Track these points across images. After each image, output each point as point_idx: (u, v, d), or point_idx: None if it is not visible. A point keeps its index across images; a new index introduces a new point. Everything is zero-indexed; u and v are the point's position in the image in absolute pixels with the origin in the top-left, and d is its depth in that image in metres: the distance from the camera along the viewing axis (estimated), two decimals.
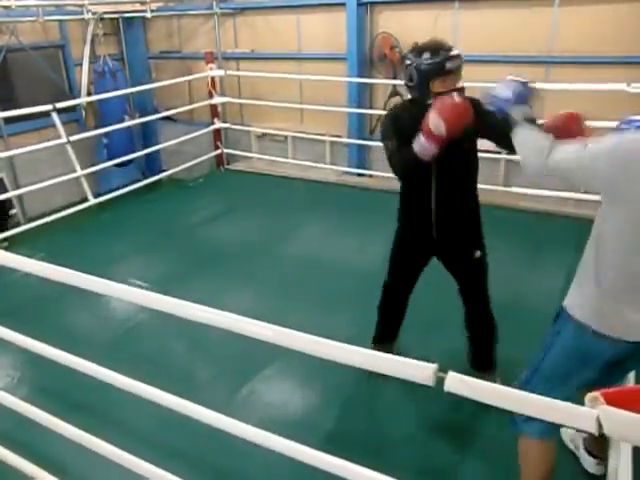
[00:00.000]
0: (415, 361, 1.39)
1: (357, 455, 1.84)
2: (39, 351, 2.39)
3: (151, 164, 9.53)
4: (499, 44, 6.99)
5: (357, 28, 7.70)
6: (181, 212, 7.04)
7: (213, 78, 8.29)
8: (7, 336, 2.47)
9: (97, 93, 8.52)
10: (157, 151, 8.88)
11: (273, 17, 8.65)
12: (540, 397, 1.25)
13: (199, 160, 8.27)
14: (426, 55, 2.84)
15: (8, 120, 7.64)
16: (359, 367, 1.66)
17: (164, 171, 8.45)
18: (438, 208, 3.08)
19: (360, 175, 8.02)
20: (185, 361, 3.98)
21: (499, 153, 6.19)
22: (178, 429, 2.76)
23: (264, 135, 9.08)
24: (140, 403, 2.23)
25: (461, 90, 2.88)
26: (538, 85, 6.38)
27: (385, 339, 3.71)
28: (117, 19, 9.13)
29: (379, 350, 3.51)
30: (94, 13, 8.28)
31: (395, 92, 7.73)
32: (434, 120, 2.64)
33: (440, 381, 1.29)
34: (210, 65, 8.26)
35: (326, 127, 8.35)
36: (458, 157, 2.98)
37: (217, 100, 8.37)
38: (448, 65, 2.83)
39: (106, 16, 8.62)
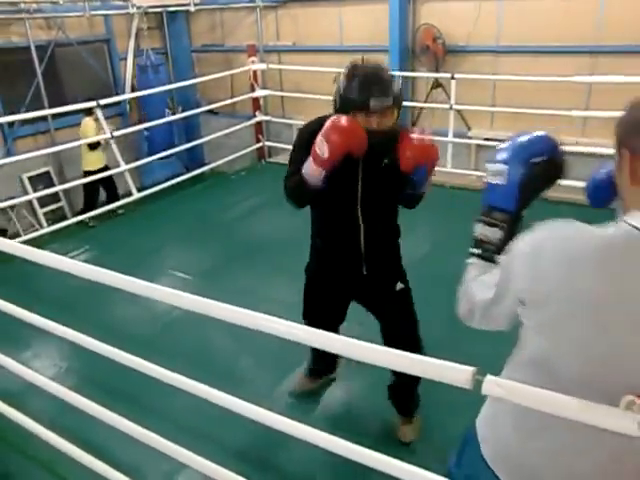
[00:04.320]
0: (453, 364, 1.38)
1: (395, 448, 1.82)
2: (84, 344, 2.44)
3: (194, 157, 9.62)
4: (544, 33, 6.85)
5: (399, 19, 7.63)
6: (223, 205, 7.09)
7: (255, 71, 8.31)
8: (53, 328, 2.52)
9: (140, 87, 8.66)
10: (200, 144, 8.95)
11: (315, 9, 8.64)
12: (577, 400, 1.22)
13: (241, 153, 8.31)
14: (354, 83, 2.41)
15: (54, 115, 7.81)
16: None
17: (206, 164, 8.51)
18: (367, 242, 2.72)
19: None
20: (226, 353, 4.01)
21: None
22: (221, 421, 2.78)
23: None
24: (182, 395, 2.26)
25: (388, 134, 2.45)
26: (585, 78, 6.25)
27: (321, 373, 3.53)
28: (161, 13, 9.24)
29: (310, 384, 3.49)
30: (139, 7, 8.40)
31: (437, 84, 7.64)
32: (319, 141, 2.36)
33: (478, 384, 1.29)
34: (252, 58, 8.28)
35: None
36: (382, 182, 2.62)
37: (259, 93, 8.38)
38: (372, 104, 2.37)
39: (150, 10, 8.73)
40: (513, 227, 1.54)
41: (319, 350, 3.16)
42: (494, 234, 1.56)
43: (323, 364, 3.46)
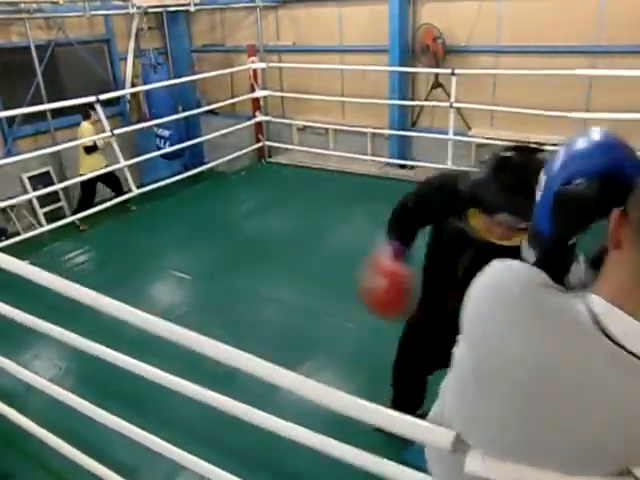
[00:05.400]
0: (436, 427, 1.34)
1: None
2: (84, 346, 2.43)
3: (193, 157, 9.60)
4: (544, 33, 6.85)
5: (399, 19, 7.62)
6: (222, 204, 7.09)
7: (255, 71, 8.31)
8: (53, 331, 2.52)
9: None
10: (199, 144, 8.95)
11: (315, 9, 8.63)
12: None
13: (241, 153, 8.31)
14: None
15: (55, 114, 7.81)
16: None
17: (206, 163, 8.51)
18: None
19: (402, 167, 7.95)
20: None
21: None
22: (220, 423, 2.76)
23: (305, 128, 9.08)
24: (181, 397, 2.25)
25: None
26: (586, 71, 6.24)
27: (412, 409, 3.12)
28: (161, 13, 9.23)
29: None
30: (139, 7, 8.38)
31: (437, 84, 7.63)
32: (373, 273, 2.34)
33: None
34: (252, 58, 8.28)
35: (368, 119, 8.31)
36: None
37: (259, 93, 8.38)
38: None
39: (150, 10, 8.72)
40: (553, 253, 1.27)
41: (402, 388, 3.07)
42: (529, 257, 1.29)
43: (409, 400, 3.08)
